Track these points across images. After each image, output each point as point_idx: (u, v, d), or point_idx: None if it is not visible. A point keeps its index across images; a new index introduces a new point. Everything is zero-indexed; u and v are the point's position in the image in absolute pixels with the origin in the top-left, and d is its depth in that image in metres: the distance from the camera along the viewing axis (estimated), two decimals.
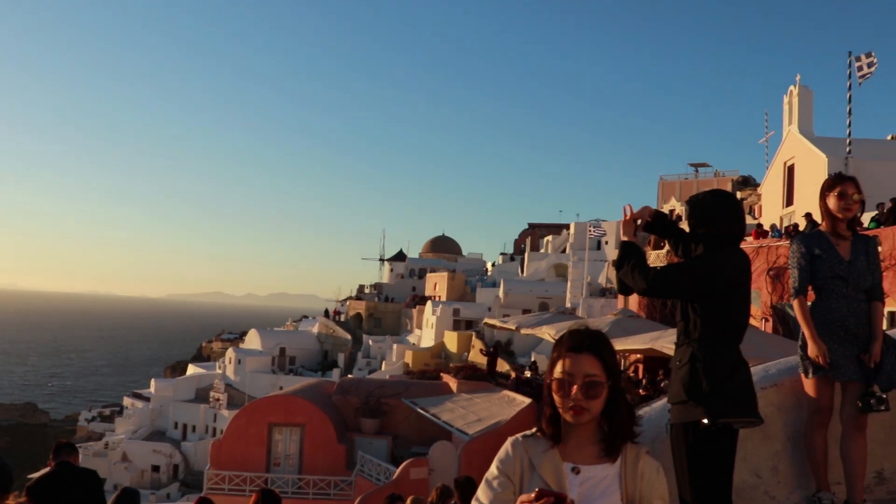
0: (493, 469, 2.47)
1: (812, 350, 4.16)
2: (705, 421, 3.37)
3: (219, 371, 58.27)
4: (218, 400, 50.22)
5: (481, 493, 2.44)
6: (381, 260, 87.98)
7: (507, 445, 2.49)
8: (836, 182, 4.35)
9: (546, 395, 2.46)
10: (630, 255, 3.54)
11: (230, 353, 60.10)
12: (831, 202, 4.31)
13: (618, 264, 3.58)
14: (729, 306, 3.51)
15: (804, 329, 4.24)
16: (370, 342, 63.76)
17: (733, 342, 3.53)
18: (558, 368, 2.39)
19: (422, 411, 24.24)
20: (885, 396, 4.11)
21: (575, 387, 2.35)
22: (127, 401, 64.44)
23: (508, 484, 2.40)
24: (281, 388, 37.72)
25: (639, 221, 3.69)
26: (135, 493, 6.84)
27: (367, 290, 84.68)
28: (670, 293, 3.62)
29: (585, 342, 2.39)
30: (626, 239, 3.64)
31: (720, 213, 3.62)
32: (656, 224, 3.74)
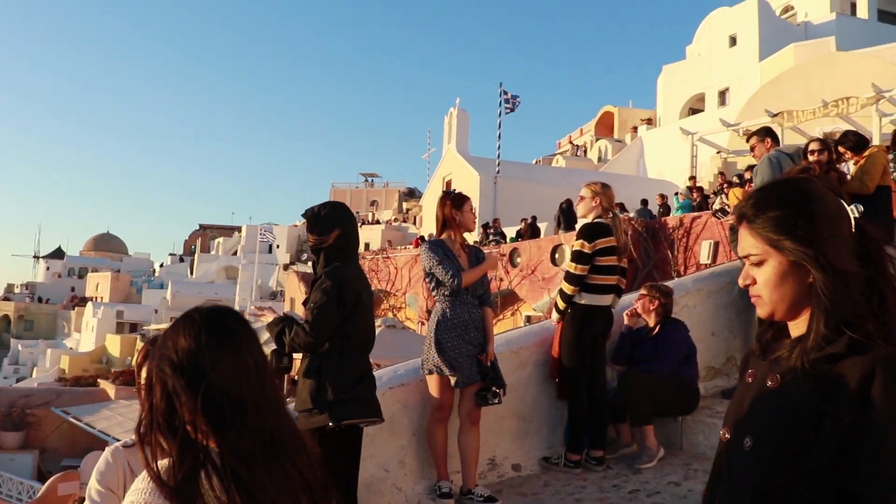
0: (93, 482, 2.33)
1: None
2: (331, 424, 3.42)
3: None
4: None
5: None
6: (36, 257, 79.73)
7: (106, 455, 2.40)
8: (464, 199, 4.69)
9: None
10: (283, 331, 3.54)
11: None
12: (466, 216, 4.62)
13: (277, 341, 3.54)
14: (355, 319, 3.56)
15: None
16: (20, 347, 57.28)
17: (359, 353, 3.61)
18: None
19: (74, 420, 22.26)
20: (498, 391, 4.49)
21: None
22: None
23: (111, 496, 2.28)
24: None
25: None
26: None
27: (17, 290, 76.20)
28: (331, 331, 3.54)
29: None
30: (273, 318, 3.67)
31: (338, 224, 3.64)
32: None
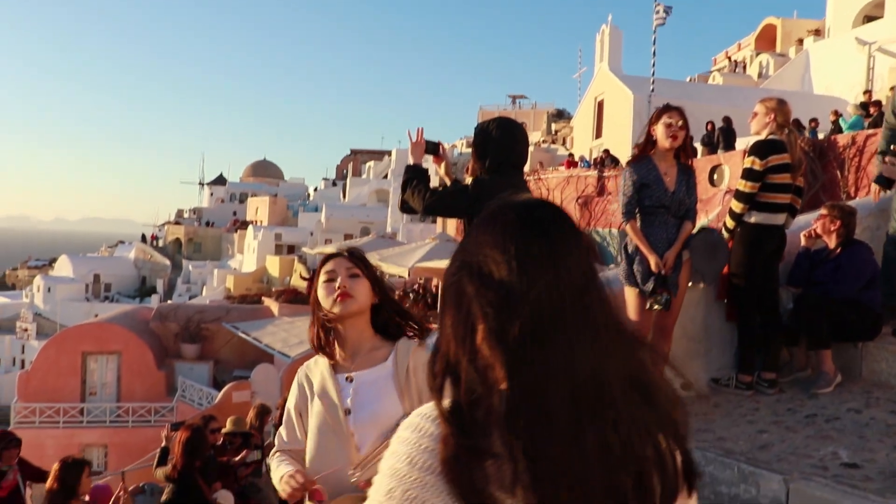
0: (289, 402, 2.52)
1: (653, 262, 4.42)
2: None
3: (26, 300, 54.38)
4: (26, 330, 46.94)
5: (283, 429, 2.52)
6: (201, 184, 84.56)
7: (298, 374, 2.54)
8: (664, 111, 4.52)
9: (313, 312, 2.50)
10: (414, 178, 3.67)
11: (38, 280, 56.09)
12: (659, 131, 4.49)
13: (403, 186, 3.67)
14: None
15: (641, 246, 4.46)
16: (190, 267, 61.57)
17: None
18: (321, 277, 2.48)
19: (243, 335, 23.88)
20: (668, 298, 4.45)
21: (340, 277, 2.44)
22: None
23: (298, 421, 2.47)
24: (96, 316, 35.83)
25: (440, 148, 3.79)
26: None
27: (186, 215, 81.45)
28: (443, 213, 3.86)
29: (340, 252, 2.53)
30: (413, 162, 3.72)
31: (500, 139, 3.68)
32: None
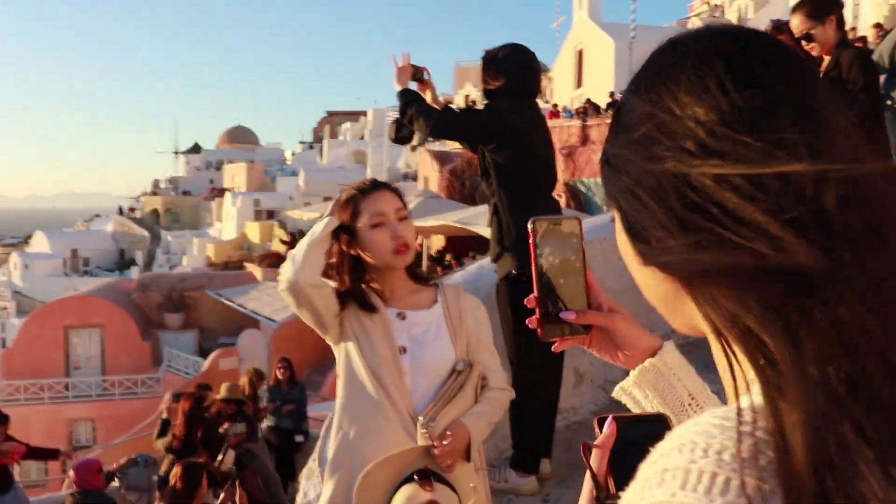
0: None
1: None
2: (514, 271, 3.21)
3: (3, 278, 53.71)
4: (5, 308, 46.41)
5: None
6: (176, 153, 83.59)
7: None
8: (775, 32, 4.13)
9: (340, 261, 2.22)
10: (412, 102, 3.35)
11: (14, 257, 55.36)
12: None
13: (401, 111, 3.35)
14: (518, 155, 3.31)
15: None
16: (169, 238, 61.02)
17: (534, 191, 3.34)
18: (364, 217, 2.16)
19: (227, 301, 23.55)
20: None
21: (392, 222, 2.16)
22: None
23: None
24: (76, 291, 35.39)
25: (425, 73, 3.46)
26: None
27: (162, 185, 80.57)
28: (451, 135, 3.59)
29: (376, 183, 2.24)
30: (402, 87, 3.40)
31: (513, 65, 3.41)
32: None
